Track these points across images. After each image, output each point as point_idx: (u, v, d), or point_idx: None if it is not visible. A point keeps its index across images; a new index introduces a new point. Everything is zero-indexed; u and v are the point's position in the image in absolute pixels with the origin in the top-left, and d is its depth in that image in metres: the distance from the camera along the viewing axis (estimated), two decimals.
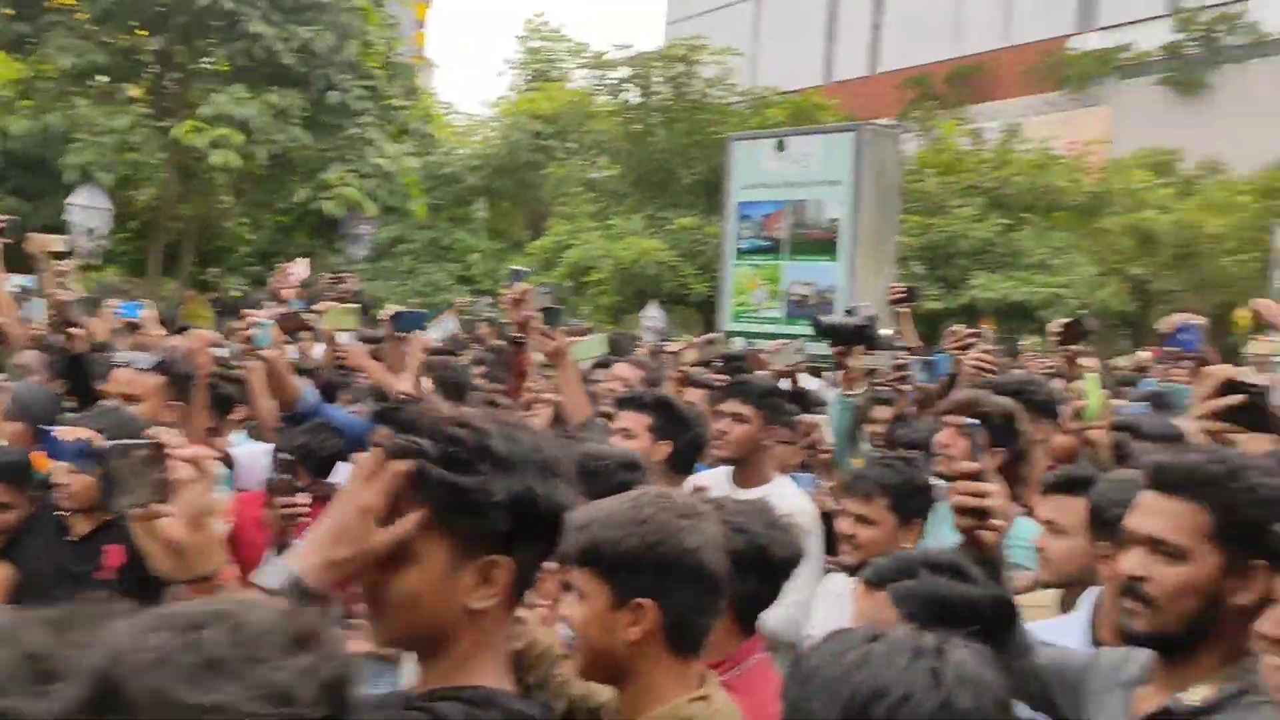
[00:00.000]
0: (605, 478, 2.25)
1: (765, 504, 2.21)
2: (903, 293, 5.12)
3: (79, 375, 3.96)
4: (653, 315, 12.72)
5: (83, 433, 2.91)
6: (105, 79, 13.32)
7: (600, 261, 17.38)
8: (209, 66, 13.79)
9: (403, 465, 1.22)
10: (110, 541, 2.87)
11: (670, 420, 3.30)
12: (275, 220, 15.54)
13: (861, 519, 2.71)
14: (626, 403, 3.46)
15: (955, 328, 4.44)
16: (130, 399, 3.46)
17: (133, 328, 5.58)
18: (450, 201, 24.17)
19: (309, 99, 13.46)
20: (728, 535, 1.70)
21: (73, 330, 4.04)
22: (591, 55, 19.89)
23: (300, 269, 6.27)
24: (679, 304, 18.74)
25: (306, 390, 3.91)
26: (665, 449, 3.24)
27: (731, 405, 3.46)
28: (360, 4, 13.91)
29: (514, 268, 4.05)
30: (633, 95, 19.70)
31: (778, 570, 2.02)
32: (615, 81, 19.97)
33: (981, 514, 1.78)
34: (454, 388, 4.41)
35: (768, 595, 2.01)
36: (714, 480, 3.39)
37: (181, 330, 5.85)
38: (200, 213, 14.14)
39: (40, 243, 6.65)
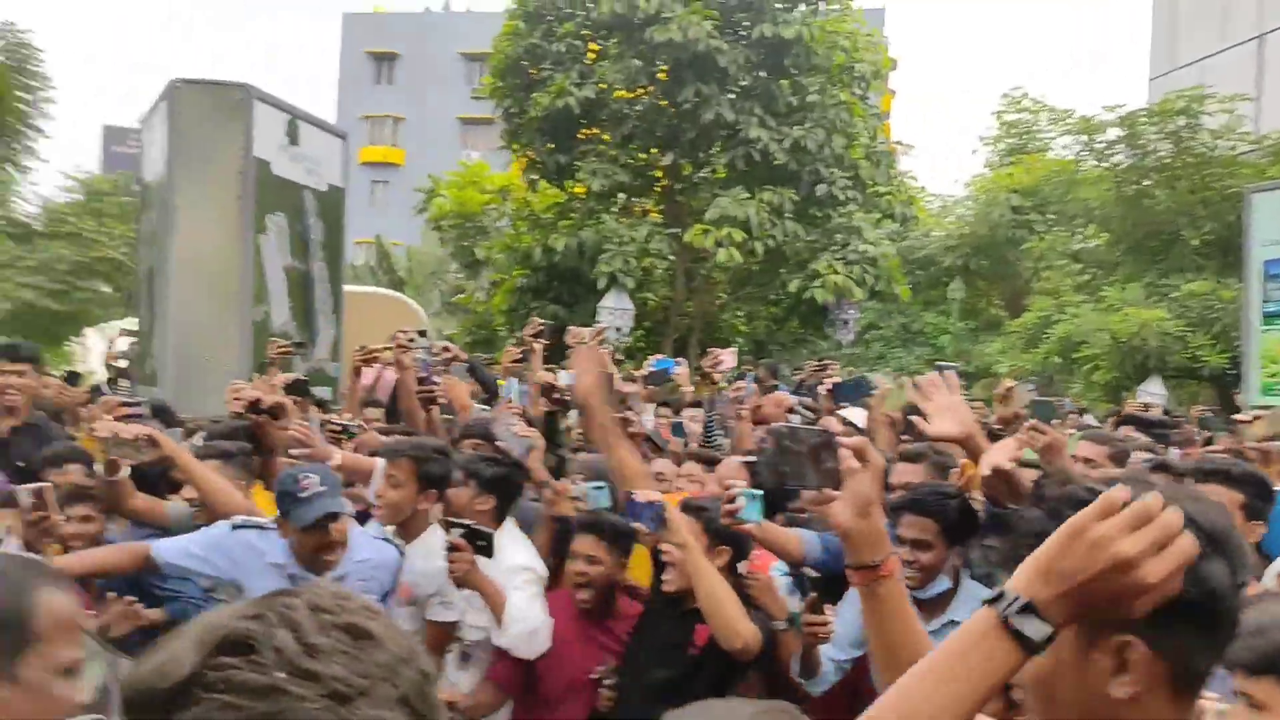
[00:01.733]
0: None
1: None
2: None
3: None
4: (1154, 391, 11.52)
5: (655, 496, 3.24)
6: (625, 196, 15.05)
7: (1093, 336, 16.22)
8: (710, 175, 15.09)
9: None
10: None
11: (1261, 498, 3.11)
12: (769, 311, 16.42)
13: None
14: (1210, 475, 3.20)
15: None
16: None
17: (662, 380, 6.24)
18: (925, 284, 24.02)
19: (800, 194, 14.24)
20: None
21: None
22: (1077, 120, 18.89)
23: (729, 359, 6.58)
24: (1189, 378, 16.99)
25: None
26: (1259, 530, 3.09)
27: None
28: (845, 99, 14.49)
29: (940, 364, 3.75)
30: (1124, 156, 18.42)
31: None
32: (1103, 145, 18.81)
33: None
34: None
35: None
36: None
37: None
38: (703, 308, 15.38)
39: (576, 335, 7.65)
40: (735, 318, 16.78)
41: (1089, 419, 9.61)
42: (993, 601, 1.03)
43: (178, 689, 0.78)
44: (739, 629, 2.97)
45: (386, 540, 3.64)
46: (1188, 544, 0.99)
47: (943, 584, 3.08)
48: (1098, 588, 0.99)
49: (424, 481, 3.58)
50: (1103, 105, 18.51)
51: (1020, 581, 1.02)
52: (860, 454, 1.54)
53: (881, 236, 15.40)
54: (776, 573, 3.52)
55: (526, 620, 3.34)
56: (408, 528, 3.62)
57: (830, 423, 4.88)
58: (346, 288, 11.38)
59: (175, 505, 3.88)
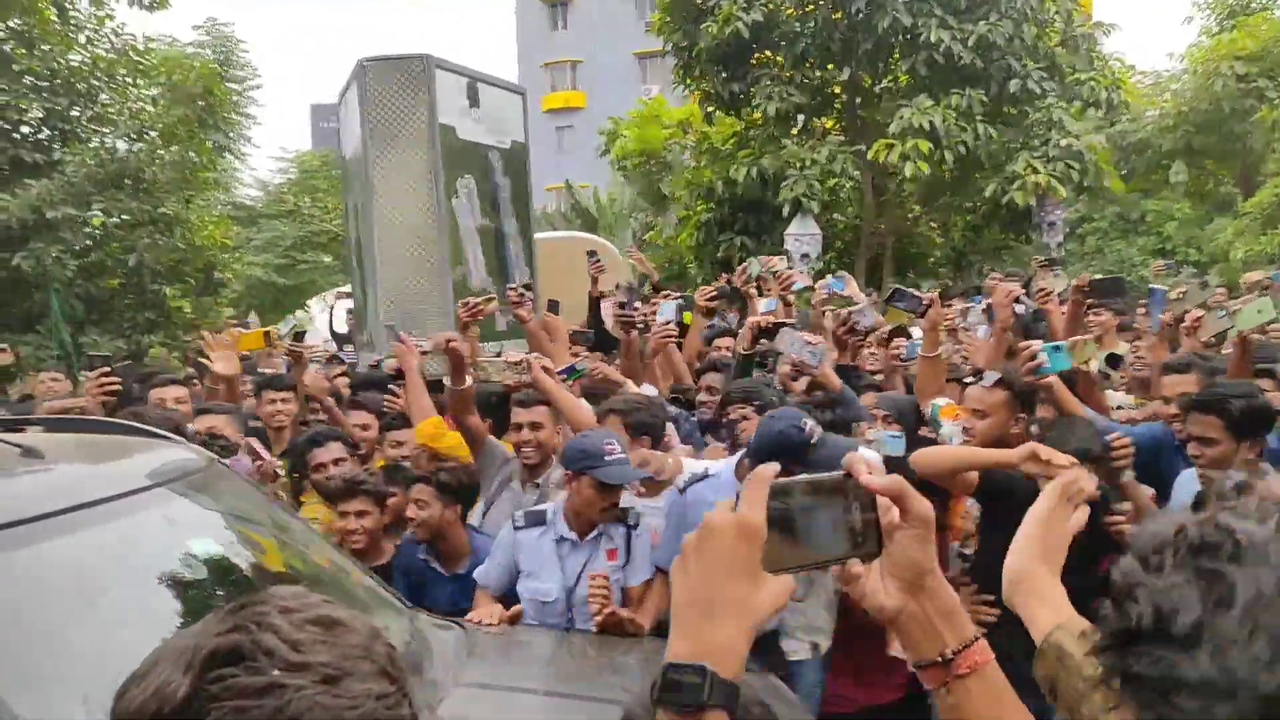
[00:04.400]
0: None
1: None
2: None
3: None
4: None
5: None
6: (803, 117, 14.73)
7: None
8: (891, 85, 14.54)
9: None
10: None
11: None
12: (965, 220, 15.78)
13: None
14: None
15: None
16: (978, 414, 3.77)
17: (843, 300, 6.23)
18: (1142, 170, 22.46)
19: (989, 93, 13.52)
20: None
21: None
22: None
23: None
24: None
25: None
26: None
27: None
28: None
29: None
30: None
31: None
32: None
33: None
34: None
35: None
36: None
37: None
38: (895, 224, 14.94)
39: (767, 264, 7.68)
40: (930, 230, 16.20)
41: None
42: None
43: (181, 707, 0.87)
44: None
45: None
46: None
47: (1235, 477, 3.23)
48: None
49: (633, 430, 3.89)
50: None
51: None
52: (899, 500, 1.07)
53: (1086, 127, 14.46)
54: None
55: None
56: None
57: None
58: (541, 235, 11.79)
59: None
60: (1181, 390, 3.84)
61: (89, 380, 4.54)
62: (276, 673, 0.88)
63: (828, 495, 1.06)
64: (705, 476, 3.60)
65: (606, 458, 3.49)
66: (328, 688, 0.89)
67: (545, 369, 4.37)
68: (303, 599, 0.97)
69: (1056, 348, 3.62)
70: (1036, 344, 3.64)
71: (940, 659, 1.07)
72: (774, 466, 1.05)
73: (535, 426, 4.30)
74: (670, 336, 5.40)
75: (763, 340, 5.00)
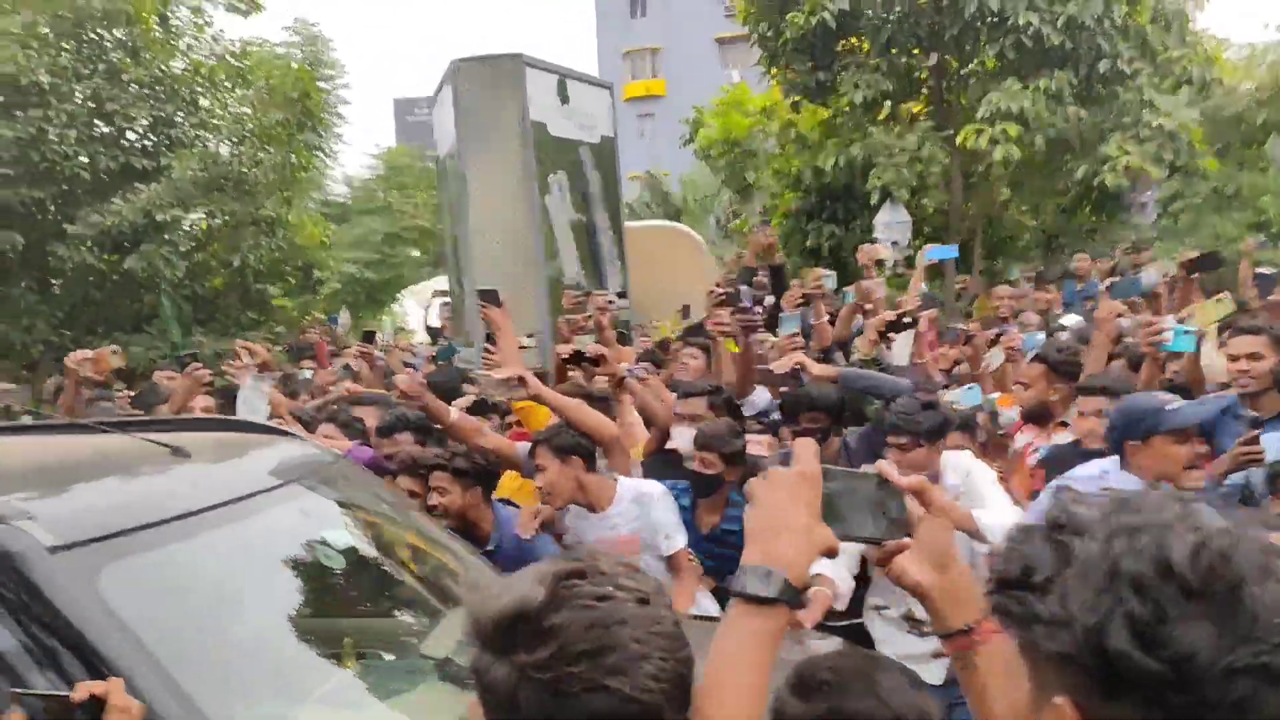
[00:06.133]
0: None
1: None
2: None
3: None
4: None
5: None
6: (890, 103, 14.58)
7: None
8: (979, 69, 14.30)
9: None
10: None
11: None
12: (1056, 203, 15.47)
13: None
14: None
15: None
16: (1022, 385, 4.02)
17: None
18: (1237, 145, 21.72)
19: (1079, 74, 13.22)
20: None
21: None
22: None
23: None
24: None
25: None
26: None
27: None
28: None
29: None
30: None
31: None
32: None
33: None
34: None
35: None
36: None
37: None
38: (984, 208, 14.73)
39: (869, 253, 7.73)
40: (1020, 213, 15.91)
41: None
42: None
43: (541, 607, 1.16)
44: None
45: None
46: None
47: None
48: None
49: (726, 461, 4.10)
50: None
51: None
52: (923, 497, 1.35)
53: (1179, 103, 14.05)
54: None
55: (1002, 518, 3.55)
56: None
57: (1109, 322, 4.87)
58: (629, 224, 11.94)
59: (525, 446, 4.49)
60: (1249, 351, 4.20)
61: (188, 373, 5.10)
62: (608, 586, 1.19)
63: (863, 484, 1.36)
64: None
65: None
66: (640, 605, 1.19)
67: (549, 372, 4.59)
68: (604, 553, 1.28)
69: (1187, 331, 3.87)
70: (1169, 319, 3.94)
71: (964, 629, 1.28)
72: (813, 444, 1.37)
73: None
74: (799, 348, 5.34)
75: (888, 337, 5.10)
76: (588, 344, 5.32)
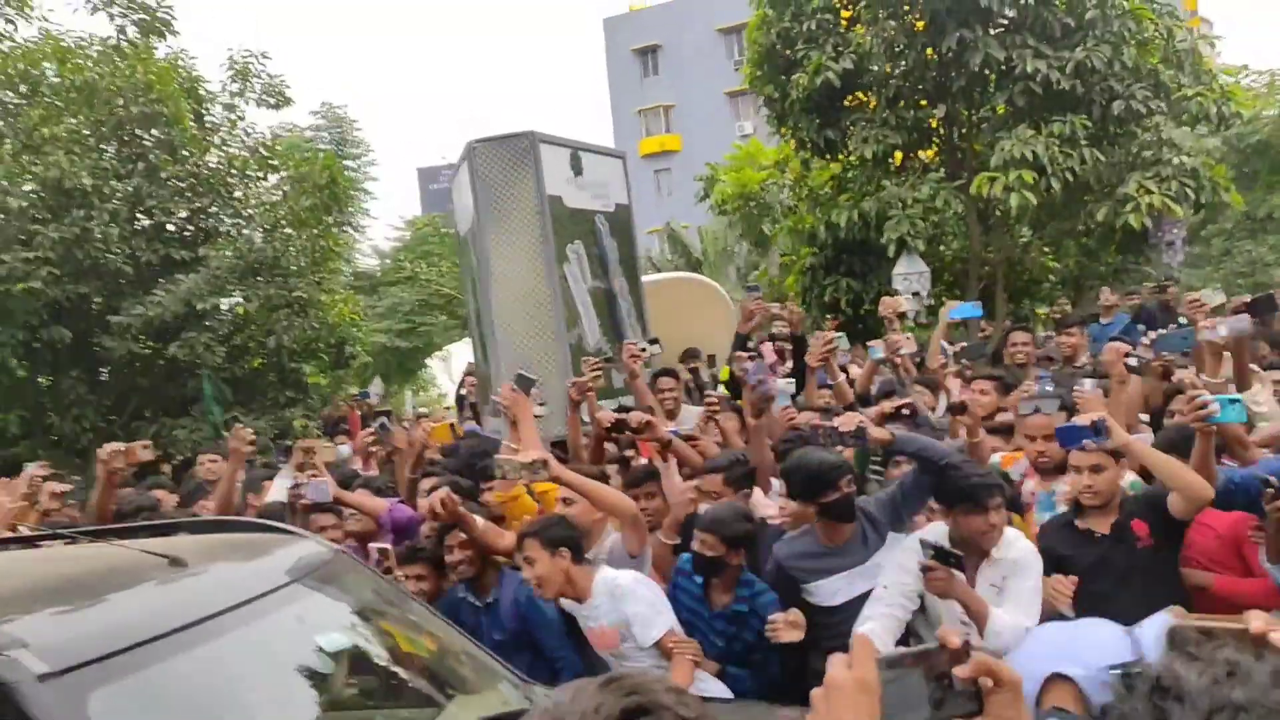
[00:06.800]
0: None
1: None
2: None
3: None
4: None
5: None
6: (901, 155, 14.65)
7: None
8: (989, 115, 14.32)
9: None
10: None
11: None
12: (1078, 244, 15.38)
13: None
14: None
15: None
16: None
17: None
18: (1264, 170, 21.58)
19: (1093, 117, 13.19)
20: None
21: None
22: None
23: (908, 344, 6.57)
24: None
25: None
26: None
27: None
28: (1130, 5, 13.25)
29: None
30: None
31: None
32: None
33: None
34: None
35: None
36: None
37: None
38: (1005, 251, 14.68)
39: (891, 305, 7.81)
40: (1043, 254, 15.80)
41: None
42: None
43: None
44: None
45: None
46: None
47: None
48: None
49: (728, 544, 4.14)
50: None
51: None
52: (991, 674, 1.25)
53: (1199, 139, 13.93)
54: None
55: (1016, 624, 3.58)
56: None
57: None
58: (649, 277, 12.07)
59: None
60: None
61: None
62: None
63: (915, 666, 1.26)
64: None
65: None
66: None
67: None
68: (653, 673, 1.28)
69: (1234, 400, 3.62)
70: (1208, 395, 3.65)
71: None
72: (870, 644, 1.29)
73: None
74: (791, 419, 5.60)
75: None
76: (633, 414, 5.30)
